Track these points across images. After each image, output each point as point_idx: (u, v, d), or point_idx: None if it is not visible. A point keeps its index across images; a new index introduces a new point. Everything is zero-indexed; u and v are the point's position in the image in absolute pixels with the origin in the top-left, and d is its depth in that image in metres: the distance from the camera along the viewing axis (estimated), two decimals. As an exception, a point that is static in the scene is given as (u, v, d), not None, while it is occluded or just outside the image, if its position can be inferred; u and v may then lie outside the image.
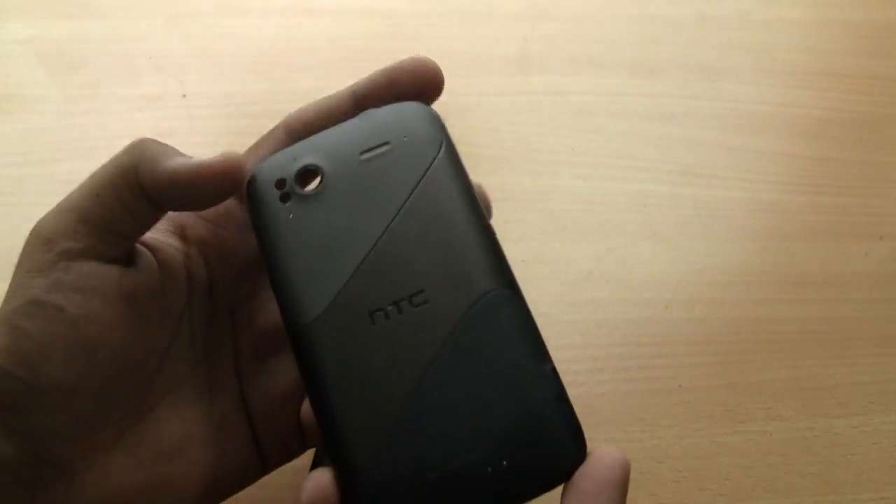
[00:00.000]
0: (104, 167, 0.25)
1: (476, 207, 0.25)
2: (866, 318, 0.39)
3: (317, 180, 0.26)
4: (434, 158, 0.25)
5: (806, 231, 0.42)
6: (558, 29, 0.51)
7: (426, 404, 0.22)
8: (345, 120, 0.27)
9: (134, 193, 0.24)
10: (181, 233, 0.28)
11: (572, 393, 0.37)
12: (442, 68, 0.49)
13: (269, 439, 0.27)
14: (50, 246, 0.24)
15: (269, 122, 0.46)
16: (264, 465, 0.27)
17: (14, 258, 0.41)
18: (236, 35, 0.50)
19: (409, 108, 0.26)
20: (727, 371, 0.37)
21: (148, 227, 0.26)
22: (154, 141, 0.25)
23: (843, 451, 0.35)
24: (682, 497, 0.34)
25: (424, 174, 0.25)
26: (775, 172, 0.45)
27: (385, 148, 0.25)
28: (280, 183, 0.25)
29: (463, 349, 0.22)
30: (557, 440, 0.22)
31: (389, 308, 0.23)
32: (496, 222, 0.42)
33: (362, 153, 0.25)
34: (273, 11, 0.51)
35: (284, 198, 0.25)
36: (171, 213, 0.27)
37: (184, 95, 0.47)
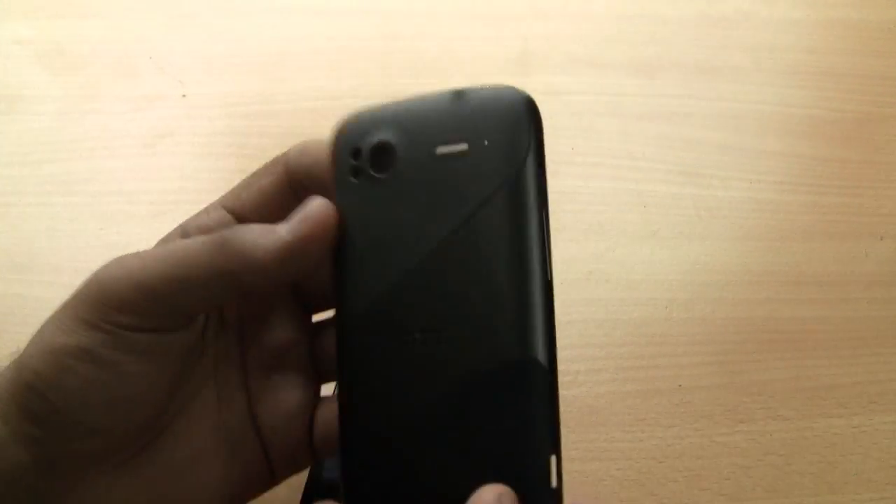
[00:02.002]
0: (189, 249, 0.24)
1: (537, 246, 0.23)
2: (866, 318, 0.39)
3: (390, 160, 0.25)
4: (508, 178, 0.23)
5: (806, 231, 0.42)
6: (558, 29, 0.51)
7: (423, 446, 0.22)
8: (282, 202, 0.27)
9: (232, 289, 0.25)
10: None
11: (572, 393, 0.37)
12: (442, 68, 0.49)
13: (278, 452, 0.27)
14: (112, 314, 0.23)
15: (268, 122, 0.46)
16: (273, 476, 0.27)
17: (14, 258, 0.41)
18: (236, 35, 0.50)
19: (505, 101, 0.23)
20: (727, 371, 0.37)
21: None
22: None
23: (843, 451, 0.35)
24: (682, 497, 0.34)
25: (492, 194, 0.23)
26: (775, 172, 0.45)
27: (462, 147, 0.23)
28: (355, 153, 0.25)
29: (475, 407, 0.22)
30: None
31: (417, 335, 0.23)
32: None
33: (439, 147, 0.24)
34: (273, 11, 0.51)
35: (356, 172, 0.25)
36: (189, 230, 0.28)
37: (184, 95, 0.47)
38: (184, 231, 0.27)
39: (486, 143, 0.23)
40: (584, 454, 0.34)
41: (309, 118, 0.46)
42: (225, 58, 0.49)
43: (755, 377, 0.37)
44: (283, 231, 0.24)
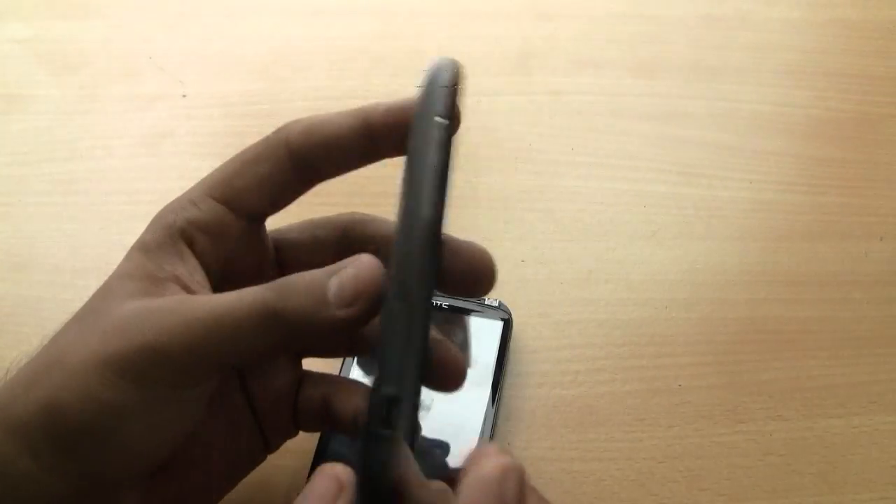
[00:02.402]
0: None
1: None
2: (866, 318, 0.39)
3: None
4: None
5: (806, 231, 0.42)
6: (558, 29, 0.51)
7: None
8: (352, 148, 0.26)
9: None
10: (190, 246, 0.27)
11: (572, 393, 0.37)
12: (442, 68, 0.49)
13: (271, 429, 0.28)
14: (163, 375, 0.23)
15: (268, 122, 0.46)
16: (268, 447, 0.29)
17: (14, 258, 0.41)
18: (236, 35, 0.50)
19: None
20: (727, 371, 0.37)
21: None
22: None
23: (843, 451, 0.35)
24: (682, 497, 0.34)
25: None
26: (775, 172, 0.45)
27: None
28: None
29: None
30: None
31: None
32: (496, 222, 0.42)
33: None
34: (273, 11, 0.52)
35: None
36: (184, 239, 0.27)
37: (184, 95, 0.47)
38: (182, 232, 0.26)
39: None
40: (583, 454, 0.34)
41: (309, 118, 0.46)
42: (225, 58, 0.49)
43: (755, 377, 0.37)
44: (334, 300, 0.23)
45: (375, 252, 0.25)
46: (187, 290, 0.25)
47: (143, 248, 0.26)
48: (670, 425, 0.35)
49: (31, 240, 0.41)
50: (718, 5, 0.53)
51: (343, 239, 0.29)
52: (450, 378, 0.26)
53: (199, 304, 0.23)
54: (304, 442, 0.32)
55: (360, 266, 0.23)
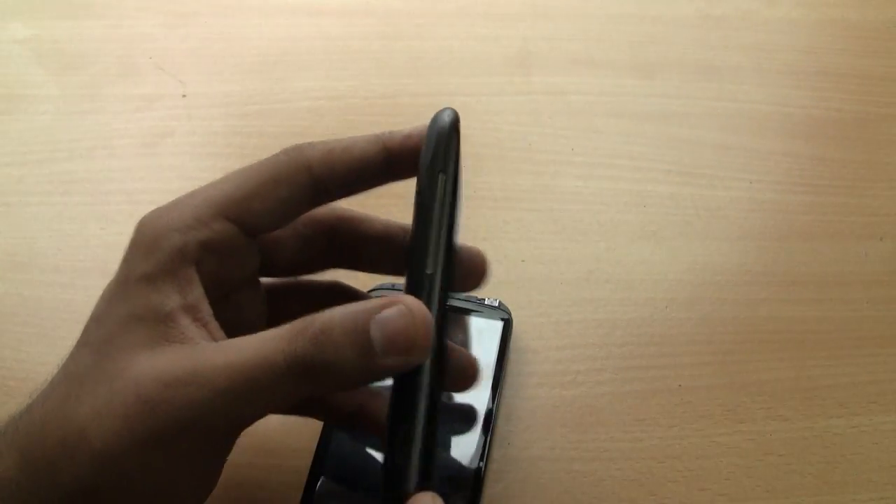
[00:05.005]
0: None
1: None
2: (866, 318, 0.39)
3: None
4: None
5: (806, 231, 0.42)
6: (558, 29, 0.51)
7: None
8: (374, 172, 0.27)
9: None
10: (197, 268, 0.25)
11: (572, 393, 0.37)
12: (442, 68, 0.49)
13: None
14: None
15: (268, 122, 0.46)
16: None
17: (14, 258, 0.41)
18: (236, 35, 0.50)
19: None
20: (727, 371, 0.37)
21: None
22: None
23: (843, 451, 0.35)
24: (682, 497, 0.34)
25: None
26: (775, 172, 0.45)
27: None
28: None
29: None
30: None
31: None
32: (496, 222, 0.42)
33: None
34: (273, 11, 0.52)
35: None
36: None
37: (184, 95, 0.47)
38: (194, 256, 0.24)
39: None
40: (584, 454, 0.34)
41: (308, 118, 0.46)
42: (225, 58, 0.49)
43: (755, 377, 0.37)
44: (380, 349, 0.22)
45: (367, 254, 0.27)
46: (196, 322, 0.24)
47: (147, 278, 0.24)
48: (670, 425, 0.35)
49: (31, 240, 0.41)
50: (718, 5, 0.53)
51: (334, 238, 0.29)
52: (466, 378, 0.29)
53: (220, 364, 0.22)
54: (305, 441, 0.33)
55: (410, 314, 0.22)
